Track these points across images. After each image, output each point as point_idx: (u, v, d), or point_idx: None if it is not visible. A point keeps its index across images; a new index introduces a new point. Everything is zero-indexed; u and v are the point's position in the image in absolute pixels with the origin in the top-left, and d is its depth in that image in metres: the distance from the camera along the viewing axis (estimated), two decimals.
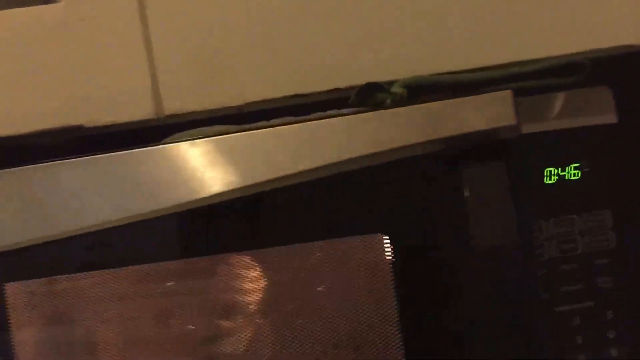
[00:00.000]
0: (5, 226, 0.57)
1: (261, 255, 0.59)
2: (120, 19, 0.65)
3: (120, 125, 0.65)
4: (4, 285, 0.58)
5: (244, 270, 0.60)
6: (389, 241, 0.58)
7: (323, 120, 0.58)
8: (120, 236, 0.59)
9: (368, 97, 0.63)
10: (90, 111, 0.65)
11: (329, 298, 0.60)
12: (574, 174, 0.60)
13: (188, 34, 0.65)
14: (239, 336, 0.61)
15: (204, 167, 0.59)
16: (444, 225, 0.59)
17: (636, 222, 0.61)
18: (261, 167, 0.58)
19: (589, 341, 0.60)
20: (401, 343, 0.58)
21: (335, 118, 0.59)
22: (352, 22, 0.65)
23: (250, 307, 0.61)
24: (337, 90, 0.65)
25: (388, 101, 0.62)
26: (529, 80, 0.62)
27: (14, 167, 0.59)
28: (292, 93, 0.65)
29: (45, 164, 0.59)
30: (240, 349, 0.61)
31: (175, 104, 0.65)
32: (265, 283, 0.61)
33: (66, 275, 0.58)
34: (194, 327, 0.61)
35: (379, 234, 0.59)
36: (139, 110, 0.65)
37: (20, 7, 0.65)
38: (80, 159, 0.58)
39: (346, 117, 0.59)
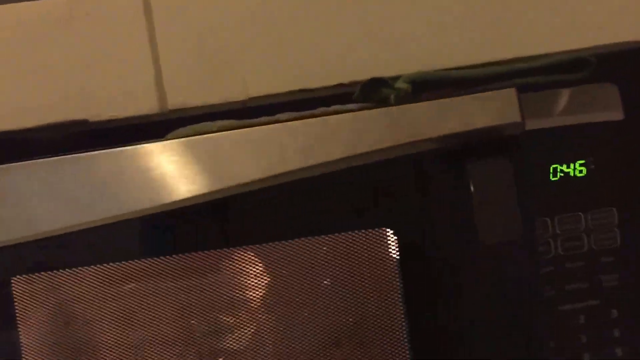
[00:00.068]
0: None
1: (266, 250, 0.59)
2: (124, 13, 0.65)
3: (124, 119, 0.65)
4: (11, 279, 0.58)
5: (248, 265, 0.60)
6: (395, 236, 0.58)
7: (331, 117, 0.59)
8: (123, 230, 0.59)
9: (372, 92, 0.62)
10: (95, 106, 0.64)
11: (334, 292, 0.59)
12: (580, 170, 0.59)
13: (192, 29, 0.65)
14: (243, 332, 0.61)
15: (210, 160, 0.59)
16: (449, 221, 0.58)
17: None
18: (272, 161, 0.58)
19: (594, 340, 0.59)
20: (407, 340, 0.58)
21: (342, 114, 0.59)
22: (356, 17, 0.64)
23: (254, 302, 0.61)
24: (341, 85, 0.65)
25: (392, 97, 0.62)
26: (535, 76, 0.62)
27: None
28: (296, 88, 0.65)
29: None
30: (244, 345, 0.61)
31: (179, 98, 0.65)
32: (270, 278, 0.60)
33: (69, 269, 0.58)
34: (197, 322, 0.60)
35: (385, 228, 0.59)
36: (142, 104, 0.65)
37: (25, 1, 0.65)
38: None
39: (353, 113, 0.59)
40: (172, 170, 0.58)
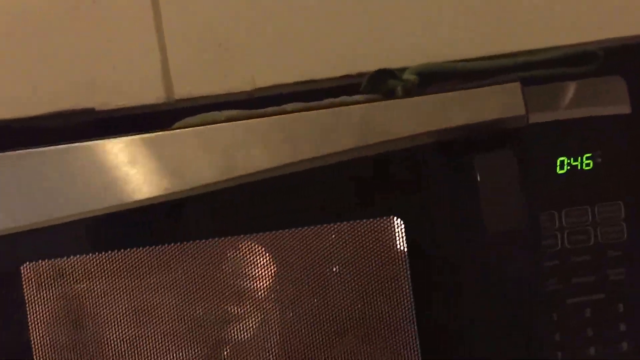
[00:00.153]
0: None
1: (274, 238, 0.59)
2: (132, 3, 0.65)
3: (131, 109, 0.65)
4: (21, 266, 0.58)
5: (256, 254, 0.60)
6: (402, 224, 0.58)
7: (341, 108, 0.59)
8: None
9: (379, 83, 0.62)
10: (102, 94, 0.65)
11: (342, 279, 0.59)
12: (587, 164, 0.59)
13: (199, 19, 0.65)
14: (249, 321, 0.61)
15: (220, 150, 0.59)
16: (456, 210, 0.59)
17: None
18: (282, 151, 0.58)
19: (599, 334, 0.59)
20: (414, 327, 0.58)
21: (351, 106, 0.59)
22: (364, 8, 0.64)
23: (260, 290, 0.61)
24: (348, 76, 0.65)
25: (399, 88, 0.62)
26: (542, 69, 0.61)
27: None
28: (303, 79, 0.65)
29: None
30: (250, 334, 0.61)
31: (186, 88, 0.65)
32: (278, 266, 0.60)
33: (77, 257, 0.58)
34: (203, 311, 0.60)
35: (393, 216, 0.59)
36: (149, 94, 0.65)
37: None
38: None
39: (362, 104, 0.60)
40: (181, 159, 0.58)
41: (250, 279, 0.61)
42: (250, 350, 0.61)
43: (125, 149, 0.58)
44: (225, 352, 0.62)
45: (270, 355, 0.61)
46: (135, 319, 0.60)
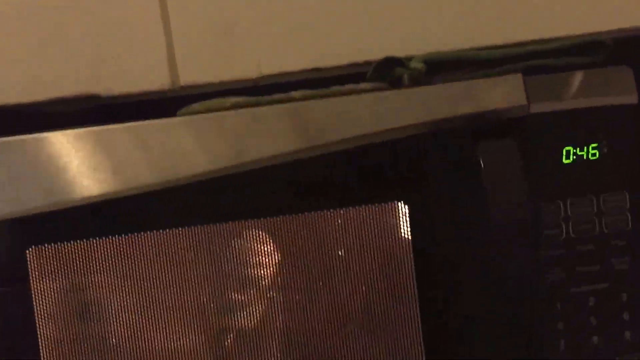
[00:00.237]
0: None
1: (280, 223, 0.59)
2: None
3: (136, 95, 0.65)
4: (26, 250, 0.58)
5: (262, 238, 0.60)
6: (407, 210, 0.58)
7: (348, 96, 0.60)
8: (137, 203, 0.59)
9: (386, 72, 0.62)
10: (107, 80, 0.64)
11: (346, 265, 0.60)
12: (593, 153, 0.59)
13: (205, 5, 0.64)
14: (253, 309, 0.61)
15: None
16: (460, 198, 0.59)
17: None
18: (291, 137, 0.58)
19: (603, 322, 0.59)
20: (418, 312, 0.59)
21: (359, 94, 0.60)
22: None
23: (264, 277, 0.61)
24: (355, 65, 0.65)
25: (406, 76, 0.62)
26: (550, 59, 0.61)
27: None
28: (309, 67, 0.65)
29: None
30: (255, 321, 0.61)
31: (191, 75, 0.65)
32: (283, 252, 0.60)
33: (81, 241, 0.58)
34: (207, 298, 0.60)
35: (398, 202, 0.59)
36: (155, 80, 0.64)
37: None
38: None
39: (370, 93, 0.60)
40: (185, 146, 0.58)
41: (255, 266, 0.61)
42: (254, 338, 0.62)
43: (131, 135, 0.58)
44: (228, 340, 0.62)
45: (273, 344, 0.62)
46: (138, 305, 0.60)
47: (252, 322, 0.62)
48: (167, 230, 0.59)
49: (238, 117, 0.59)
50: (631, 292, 0.60)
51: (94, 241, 0.58)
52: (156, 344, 0.60)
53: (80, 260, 0.59)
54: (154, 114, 0.60)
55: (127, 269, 0.59)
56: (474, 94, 0.59)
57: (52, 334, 0.59)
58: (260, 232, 0.60)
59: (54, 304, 0.59)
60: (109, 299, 0.60)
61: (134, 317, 0.60)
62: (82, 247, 0.58)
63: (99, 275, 0.59)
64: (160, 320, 0.60)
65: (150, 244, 0.59)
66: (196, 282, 0.60)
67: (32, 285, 0.58)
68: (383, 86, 0.62)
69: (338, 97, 0.59)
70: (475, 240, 0.59)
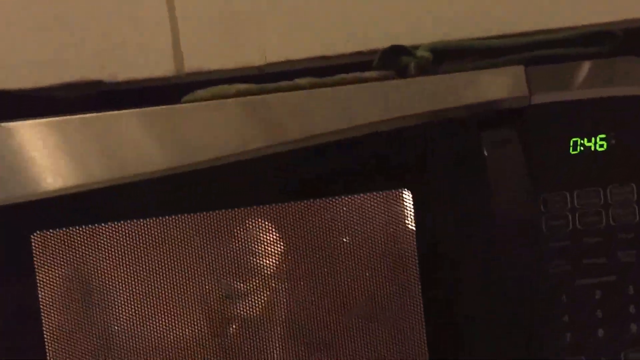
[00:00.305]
0: None
1: (286, 210, 0.59)
2: None
3: (140, 81, 0.64)
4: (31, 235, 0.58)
5: (266, 225, 0.60)
6: (412, 198, 0.58)
7: (356, 85, 0.60)
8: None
9: (392, 60, 0.62)
10: (110, 66, 0.64)
11: (350, 253, 0.60)
12: (601, 145, 0.59)
13: None
14: (257, 297, 0.61)
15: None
16: (463, 185, 0.59)
17: None
18: (297, 125, 0.58)
19: (609, 315, 0.59)
20: (420, 299, 0.59)
21: (366, 83, 0.60)
22: None
23: (269, 265, 0.61)
24: (360, 53, 0.64)
25: (412, 65, 0.61)
26: (557, 48, 0.61)
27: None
28: (315, 55, 0.64)
29: None
30: (258, 310, 0.61)
31: (196, 62, 0.64)
32: (288, 239, 0.60)
33: (86, 226, 0.58)
34: (211, 286, 0.60)
35: (403, 190, 0.59)
36: (159, 67, 0.64)
37: None
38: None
39: (374, 83, 0.60)
40: (190, 133, 0.58)
41: (259, 254, 0.61)
42: (257, 327, 0.61)
43: (137, 121, 0.58)
44: (231, 329, 0.61)
45: (277, 332, 0.61)
46: (142, 292, 0.60)
47: (256, 311, 0.61)
48: (172, 216, 0.59)
49: (243, 104, 0.58)
50: (637, 285, 0.59)
51: (99, 226, 0.58)
52: (159, 331, 0.60)
53: (85, 245, 0.58)
54: (158, 101, 0.59)
55: (131, 255, 0.59)
56: (476, 84, 0.59)
57: (55, 321, 0.58)
58: (265, 220, 0.60)
59: (58, 290, 0.58)
60: (113, 286, 0.59)
61: (137, 304, 0.60)
62: (87, 232, 0.58)
63: (103, 261, 0.59)
64: (163, 308, 0.60)
65: (154, 230, 0.59)
66: (200, 269, 0.60)
67: (36, 271, 0.57)
68: (389, 75, 0.62)
69: (341, 86, 0.59)
70: (476, 235, 0.59)
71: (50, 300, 0.58)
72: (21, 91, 0.63)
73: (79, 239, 0.58)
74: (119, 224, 0.58)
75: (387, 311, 0.61)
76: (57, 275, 0.58)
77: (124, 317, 0.60)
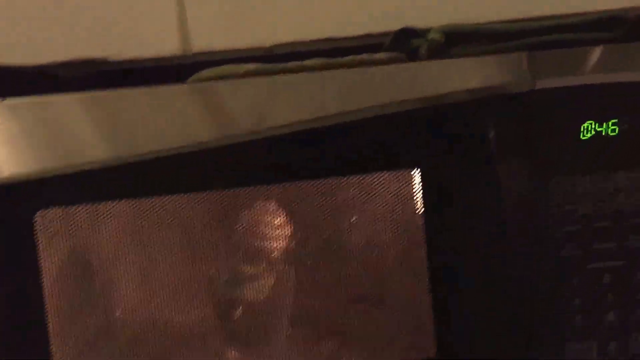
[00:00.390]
0: None
1: (293, 190, 0.58)
2: None
3: (145, 60, 0.63)
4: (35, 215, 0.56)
5: (275, 206, 0.59)
6: (421, 179, 0.58)
7: (366, 68, 0.59)
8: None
9: (404, 42, 0.61)
10: (116, 45, 0.63)
11: (359, 234, 0.59)
12: (612, 130, 0.59)
13: None
14: (264, 280, 0.60)
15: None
16: (469, 169, 0.58)
17: None
18: (306, 106, 0.57)
19: (619, 299, 0.59)
20: (428, 281, 0.58)
21: (376, 67, 0.59)
22: None
23: (276, 248, 0.60)
24: (370, 36, 0.64)
25: (424, 47, 0.61)
26: (569, 33, 0.61)
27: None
28: (324, 36, 0.64)
29: None
30: (265, 292, 0.60)
31: (203, 41, 0.63)
32: (297, 220, 0.59)
33: (89, 204, 0.56)
34: (216, 269, 0.59)
35: (412, 170, 0.58)
36: (165, 46, 0.63)
37: None
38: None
39: (383, 67, 0.60)
40: (198, 113, 0.56)
41: (267, 236, 0.60)
42: (263, 311, 0.60)
43: (144, 100, 0.56)
44: (237, 313, 0.60)
45: (283, 317, 0.60)
46: (146, 274, 0.59)
47: (262, 295, 0.60)
48: (176, 195, 0.57)
49: (255, 84, 0.58)
50: None
51: (103, 204, 0.57)
52: (163, 314, 0.59)
53: (89, 225, 0.57)
54: (163, 80, 0.58)
55: (135, 234, 0.58)
56: (482, 68, 0.59)
57: (58, 302, 0.57)
58: (272, 202, 0.59)
59: (61, 271, 0.57)
60: (116, 267, 0.58)
61: (141, 286, 0.58)
62: (91, 210, 0.57)
63: (107, 241, 0.57)
64: (167, 291, 0.59)
65: (159, 209, 0.57)
66: (206, 251, 0.59)
67: (39, 250, 0.56)
68: (399, 57, 0.61)
69: (355, 69, 0.59)
70: (485, 217, 0.58)
71: (53, 280, 0.57)
72: (22, 68, 0.62)
73: (82, 218, 0.57)
74: (123, 203, 0.57)
75: (394, 294, 0.60)
76: (60, 255, 0.57)
77: (128, 299, 0.59)
